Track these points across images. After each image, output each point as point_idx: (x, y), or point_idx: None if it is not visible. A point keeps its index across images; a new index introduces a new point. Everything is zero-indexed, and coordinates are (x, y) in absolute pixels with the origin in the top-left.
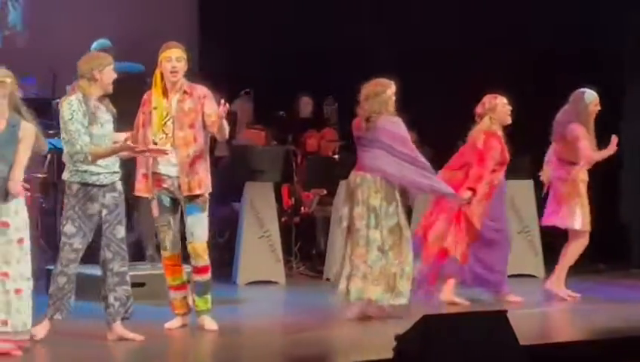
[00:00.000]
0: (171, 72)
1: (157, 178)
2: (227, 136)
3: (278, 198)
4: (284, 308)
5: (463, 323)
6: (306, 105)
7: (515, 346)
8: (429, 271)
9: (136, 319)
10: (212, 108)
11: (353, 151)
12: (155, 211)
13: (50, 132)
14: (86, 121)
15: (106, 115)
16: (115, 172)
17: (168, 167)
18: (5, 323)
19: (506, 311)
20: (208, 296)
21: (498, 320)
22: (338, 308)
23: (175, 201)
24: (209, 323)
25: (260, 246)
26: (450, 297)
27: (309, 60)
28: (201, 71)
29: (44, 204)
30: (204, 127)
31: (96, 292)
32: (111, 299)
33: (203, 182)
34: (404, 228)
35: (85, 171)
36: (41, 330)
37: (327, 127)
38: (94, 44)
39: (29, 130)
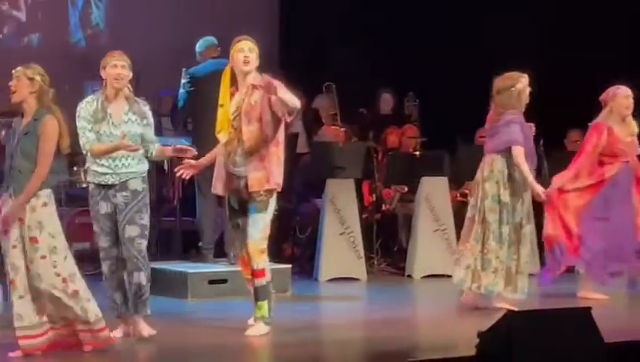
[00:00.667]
0: (244, 62)
1: (229, 178)
2: (295, 104)
3: (359, 195)
4: (365, 304)
5: (547, 320)
6: (386, 102)
7: (599, 343)
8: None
9: (219, 314)
10: (279, 92)
11: (434, 147)
12: (227, 211)
13: None
14: (92, 119)
15: (127, 116)
16: (127, 172)
17: (235, 166)
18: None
19: (590, 309)
20: (264, 303)
21: (583, 317)
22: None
23: (243, 202)
24: (257, 329)
25: (341, 243)
26: (588, 293)
27: (391, 57)
28: (282, 68)
29: None
30: (277, 120)
31: (173, 288)
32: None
33: (272, 176)
34: (526, 225)
35: (96, 172)
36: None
37: (409, 123)
38: (200, 42)
39: (49, 126)
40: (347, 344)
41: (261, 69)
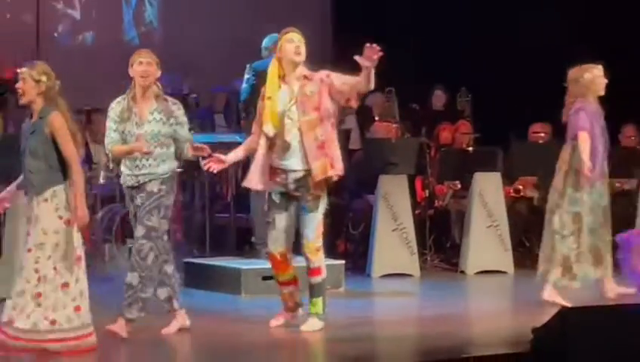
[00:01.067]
0: (295, 53)
1: (273, 172)
2: (372, 86)
3: (412, 191)
4: (418, 300)
5: (602, 316)
6: (438, 98)
7: None
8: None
9: (273, 310)
10: (344, 77)
11: (486, 143)
12: (266, 206)
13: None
14: (119, 119)
15: (152, 115)
16: (144, 173)
17: (285, 159)
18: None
19: None
20: (319, 299)
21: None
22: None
23: (287, 198)
24: (311, 325)
25: (394, 239)
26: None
27: (443, 53)
28: (334, 65)
29: (181, 198)
30: (341, 104)
31: (226, 284)
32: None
33: (335, 162)
34: (585, 217)
35: (122, 173)
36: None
37: (461, 119)
38: (266, 38)
39: (56, 122)
40: (400, 340)
41: (314, 65)
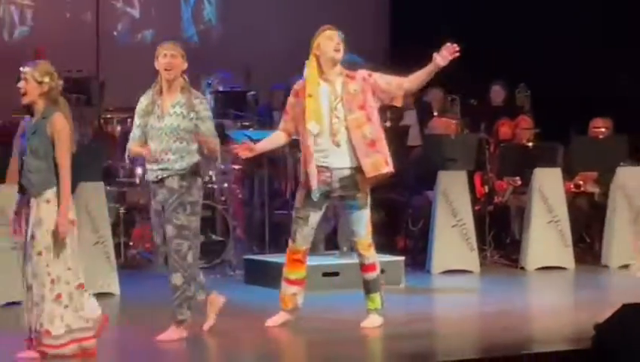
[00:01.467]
0: (335, 50)
1: (318, 170)
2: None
3: (471, 187)
4: (478, 297)
5: None
6: (497, 94)
7: None
8: None
9: (332, 307)
10: (385, 78)
11: (546, 139)
12: (298, 202)
13: (245, 123)
14: (143, 113)
15: (173, 109)
16: (162, 168)
17: (330, 158)
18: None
19: None
20: (377, 295)
21: None
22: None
23: (325, 197)
24: (372, 321)
25: (454, 235)
26: None
27: (502, 48)
28: (392, 63)
29: (240, 195)
30: (385, 103)
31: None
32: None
33: (387, 159)
34: None
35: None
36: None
37: (522, 114)
38: None
39: (58, 124)
40: (460, 336)
41: (372, 64)
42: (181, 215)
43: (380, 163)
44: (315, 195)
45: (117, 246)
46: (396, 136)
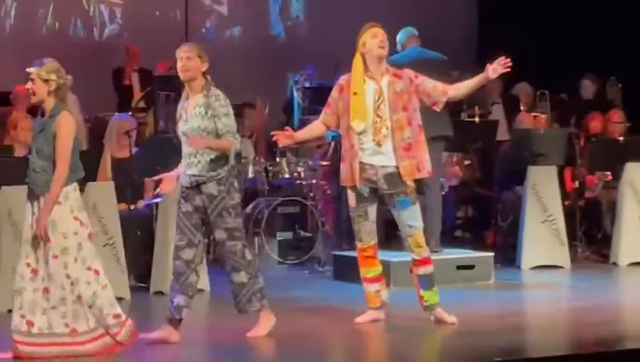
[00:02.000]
0: (380, 47)
1: (361, 167)
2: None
3: (561, 182)
4: (569, 292)
5: None
6: (587, 88)
7: None
8: None
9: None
10: (433, 81)
11: (637, 133)
12: (352, 201)
13: None
14: (178, 120)
15: (194, 110)
16: (195, 174)
17: (373, 156)
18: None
19: None
20: (435, 288)
21: None
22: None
23: (374, 191)
24: (447, 316)
25: (544, 231)
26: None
27: (591, 42)
28: (479, 59)
29: (328, 191)
30: (424, 106)
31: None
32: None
33: (423, 164)
34: None
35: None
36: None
37: (613, 108)
38: (401, 33)
39: (63, 123)
40: (552, 332)
41: (460, 60)
42: (229, 218)
43: (413, 169)
44: (365, 191)
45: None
46: (485, 131)
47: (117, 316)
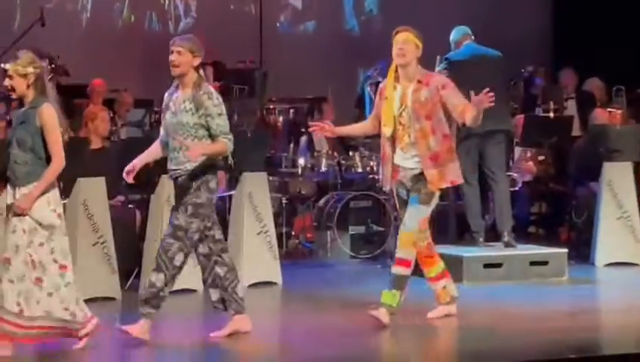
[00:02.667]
0: (397, 55)
1: (394, 169)
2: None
3: (637, 178)
4: None
5: None
6: None
7: None
8: None
9: (494, 298)
10: (458, 98)
11: None
12: (397, 206)
13: None
14: (163, 109)
15: (183, 105)
16: (173, 168)
17: (404, 159)
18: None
19: None
20: (396, 292)
21: None
22: None
23: (407, 191)
24: (384, 316)
25: (619, 227)
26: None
27: None
28: (554, 55)
29: None
30: (450, 117)
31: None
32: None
33: (447, 175)
34: None
35: None
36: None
37: None
38: (454, 31)
39: (45, 114)
40: (627, 329)
41: (535, 56)
42: (181, 215)
43: (435, 178)
44: (403, 194)
45: (279, 236)
46: (560, 126)
47: (75, 314)
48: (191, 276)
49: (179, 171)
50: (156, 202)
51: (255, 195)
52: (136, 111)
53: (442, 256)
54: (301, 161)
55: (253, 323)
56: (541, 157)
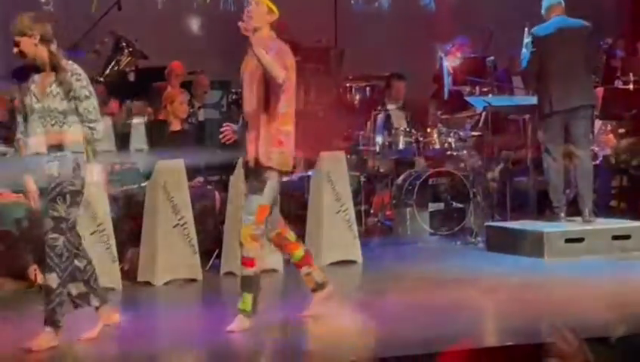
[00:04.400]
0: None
1: None
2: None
3: None
4: None
5: None
6: None
7: None
8: None
9: (575, 273)
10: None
11: None
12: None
13: (484, 89)
14: (23, 93)
15: (50, 88)
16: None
17: None
18: None
19: None
20: (247, 296)
21: None
22: None
23: None
24: (236, 325)
25: None
26: None
27: None
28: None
29: (479, 162)
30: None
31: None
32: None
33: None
34: None
35: None
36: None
37: None
38: (544, 1)
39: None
40: None
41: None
42: (60, 205)
43: None
44: None
45: (358, 215)
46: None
47: None
48: (272, 255)
49: (48, 157)
50: (236, 182)
51: (333, 174)
52: (214, 92)
53: (522, 232)
54: (379, 139)
55: (336, 302)
56: (621, 130)
